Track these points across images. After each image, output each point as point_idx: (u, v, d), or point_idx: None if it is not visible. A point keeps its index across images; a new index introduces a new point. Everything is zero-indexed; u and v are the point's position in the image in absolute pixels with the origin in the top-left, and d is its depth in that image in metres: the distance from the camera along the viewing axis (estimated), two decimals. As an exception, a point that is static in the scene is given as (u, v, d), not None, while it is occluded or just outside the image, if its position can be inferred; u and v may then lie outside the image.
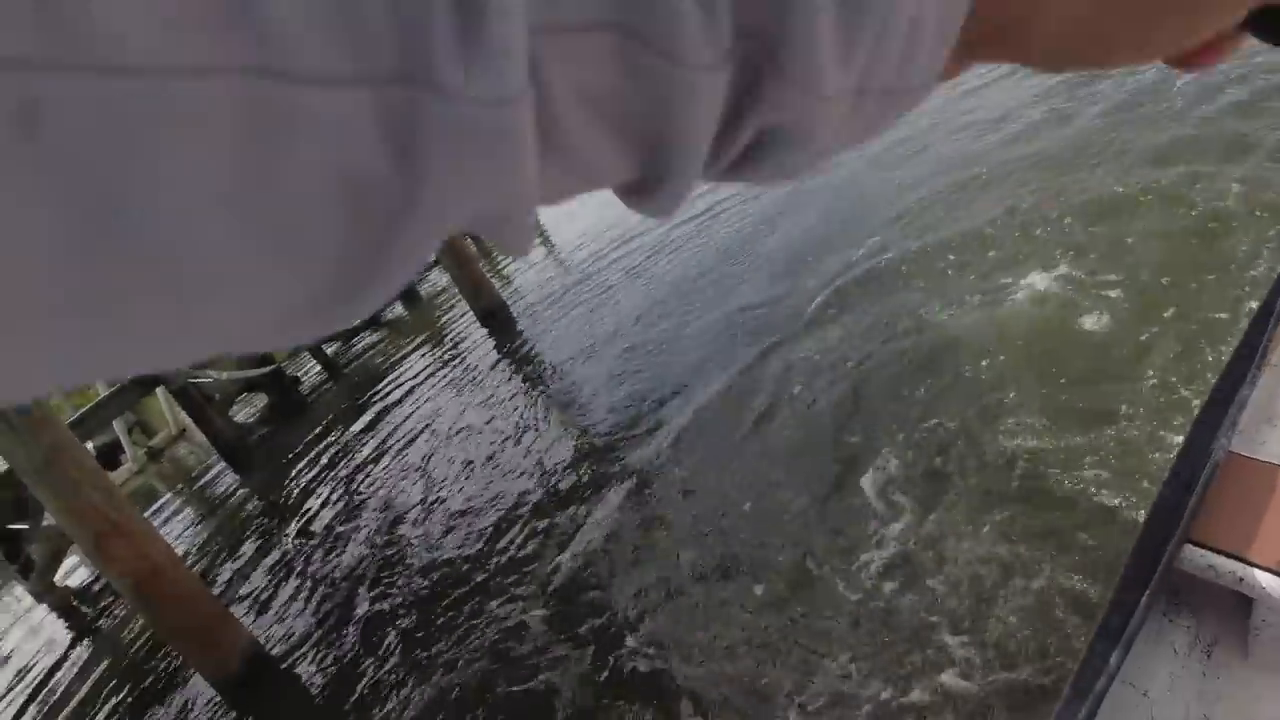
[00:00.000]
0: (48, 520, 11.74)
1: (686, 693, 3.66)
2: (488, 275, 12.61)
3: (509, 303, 12.68)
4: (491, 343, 11.44)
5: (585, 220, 16.91)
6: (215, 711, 6.00)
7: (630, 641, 4.11)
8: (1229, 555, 1.53)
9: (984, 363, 4.81)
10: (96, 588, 12.81)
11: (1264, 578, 1.48)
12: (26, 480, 5.49)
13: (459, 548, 6.16)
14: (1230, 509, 1.59)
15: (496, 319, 11.93)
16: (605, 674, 3.97)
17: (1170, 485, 1.61)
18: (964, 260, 6.13)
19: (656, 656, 3.94)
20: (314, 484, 10.30)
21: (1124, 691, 1.62)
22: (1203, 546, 1.55)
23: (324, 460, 11.05)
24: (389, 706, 4.81)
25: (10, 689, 10.48)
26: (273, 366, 14.14)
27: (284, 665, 6.05)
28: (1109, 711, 1.54)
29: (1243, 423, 1.76)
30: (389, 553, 6.89)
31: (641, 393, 7.01)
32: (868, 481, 4.38)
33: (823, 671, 3.42)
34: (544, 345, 10.18)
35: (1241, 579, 1.51)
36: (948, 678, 3.15)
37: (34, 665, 10.88)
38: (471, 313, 12.79)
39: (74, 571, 14.07)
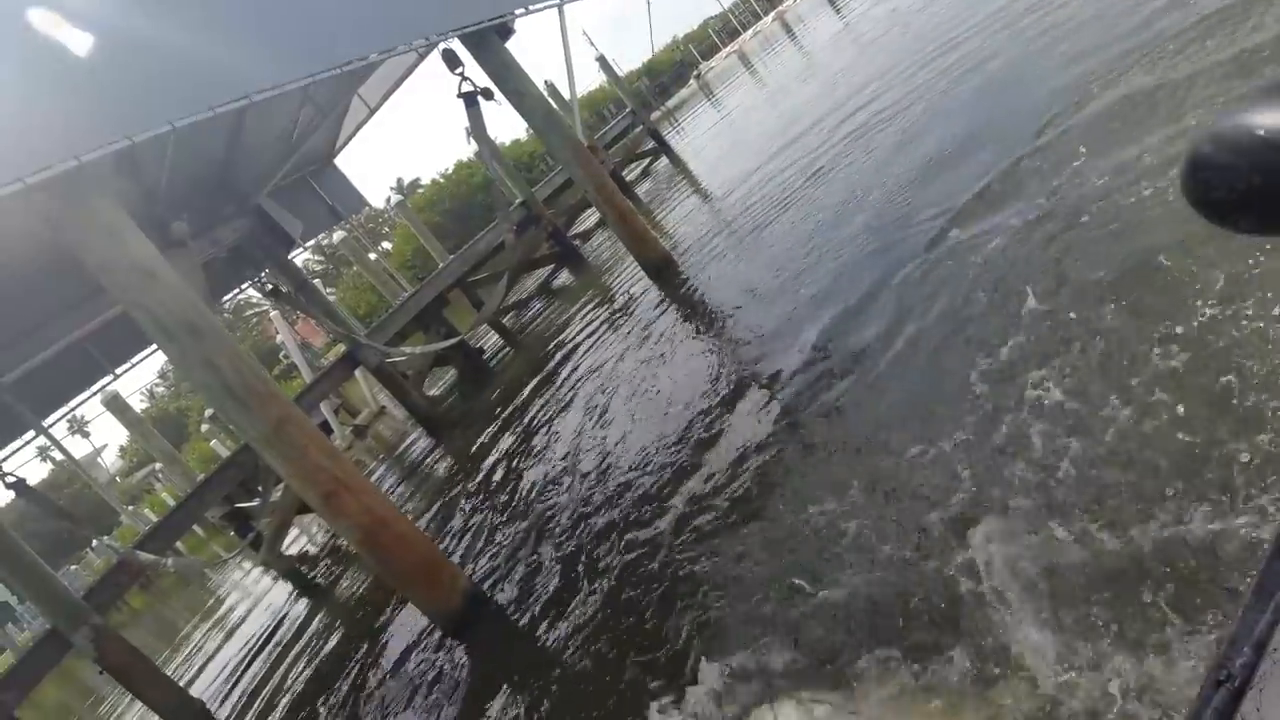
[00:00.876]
0: (274, 496, 12.85)
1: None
2: (650, 229, 12.68)
3: (673, 253, 12.76)
4: (659, 294, 11.58)
5: (733, 167, 16.82)
6: (438, 646, 6.47)
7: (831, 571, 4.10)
8: None
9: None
10: (314, 553, 14.09)
11: None
12: (258, 448, 6.06)
13: (639, 489, 6.35)
14: None
15: (663, 271, 12.02)
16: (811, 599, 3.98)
17: None
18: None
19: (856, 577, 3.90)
20: (502, 441, 10.87)
21: None
22: None
23: (510, 420, 11.61)
24: (584, 633, 5.07)
25: (252, 637, 11.76)
26: (458, 338, 14.86)
27: (497, 602, 6.45)
28: None
29: None
30: (575, 496, 7.18)
31: (823, 327, 6.90)
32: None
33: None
34: (712, 290, 10.20)
35: None
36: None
37: (269, 619, 12.19)
38: (638, 267, 12.98)
39: (293, 542, 15.45)
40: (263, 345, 59.84)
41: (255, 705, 9.44)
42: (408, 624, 7.50)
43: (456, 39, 10.16)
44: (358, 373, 20.18)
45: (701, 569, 4.77)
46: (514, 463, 9.70)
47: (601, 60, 29.53)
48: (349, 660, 8.11)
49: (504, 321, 20.51)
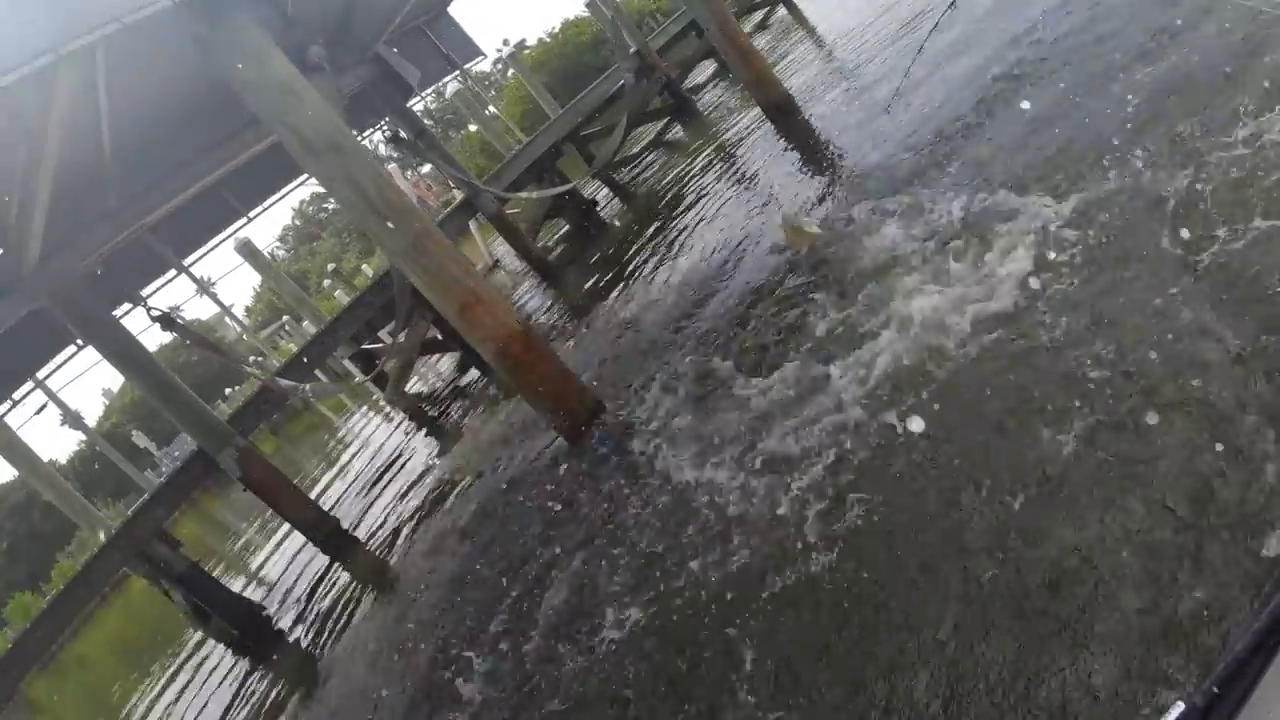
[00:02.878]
0: (401, 336, 13.48)
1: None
2: (771, 69, 12.33)
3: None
4: (777, 135, 11.38)
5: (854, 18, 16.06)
6: (565, 458, 6.85)
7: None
8: None
9: None
10: (437, 393, 14.77)
11: None
12: (399, 263, 6.38)
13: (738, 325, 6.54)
14: None
15: (784, 110, 11.75)
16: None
17: None
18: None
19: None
20: (614, 288, 11.07)
21: None
22: None
23: (623, 268, 11.78)
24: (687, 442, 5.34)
25: (380, 468, 12.60)
26: (571, 185, 14.98)
27: (618, 418, 6.76)
28: None
29: None
30: (685, 334, 7.36)
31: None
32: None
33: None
34: (829, 134, 10.01)
35: None
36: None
37: (395, 454, 13.00)
38: (754, 115, 12.70)
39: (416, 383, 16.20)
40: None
41: (387, 524, 10.14)
42: (532, 450, 7.87)
43: None
44: (472, 225, 20.64)
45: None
46: (625, 307, 9.93)
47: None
48: (476, 484, 8.61)
49: (615, 176, 20.51)
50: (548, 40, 53.75)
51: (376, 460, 14.26)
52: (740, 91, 18.35)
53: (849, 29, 15.77)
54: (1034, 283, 4.30)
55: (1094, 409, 3.41)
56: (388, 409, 18.12)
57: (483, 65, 19.61)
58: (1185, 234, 3.90)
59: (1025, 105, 6.60)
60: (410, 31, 15.80)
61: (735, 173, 11.87)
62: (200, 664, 11.27)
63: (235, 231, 14.86)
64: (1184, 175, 4.27)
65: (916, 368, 4.43)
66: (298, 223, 63.72)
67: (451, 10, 16.99)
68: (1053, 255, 4.41)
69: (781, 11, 25.37)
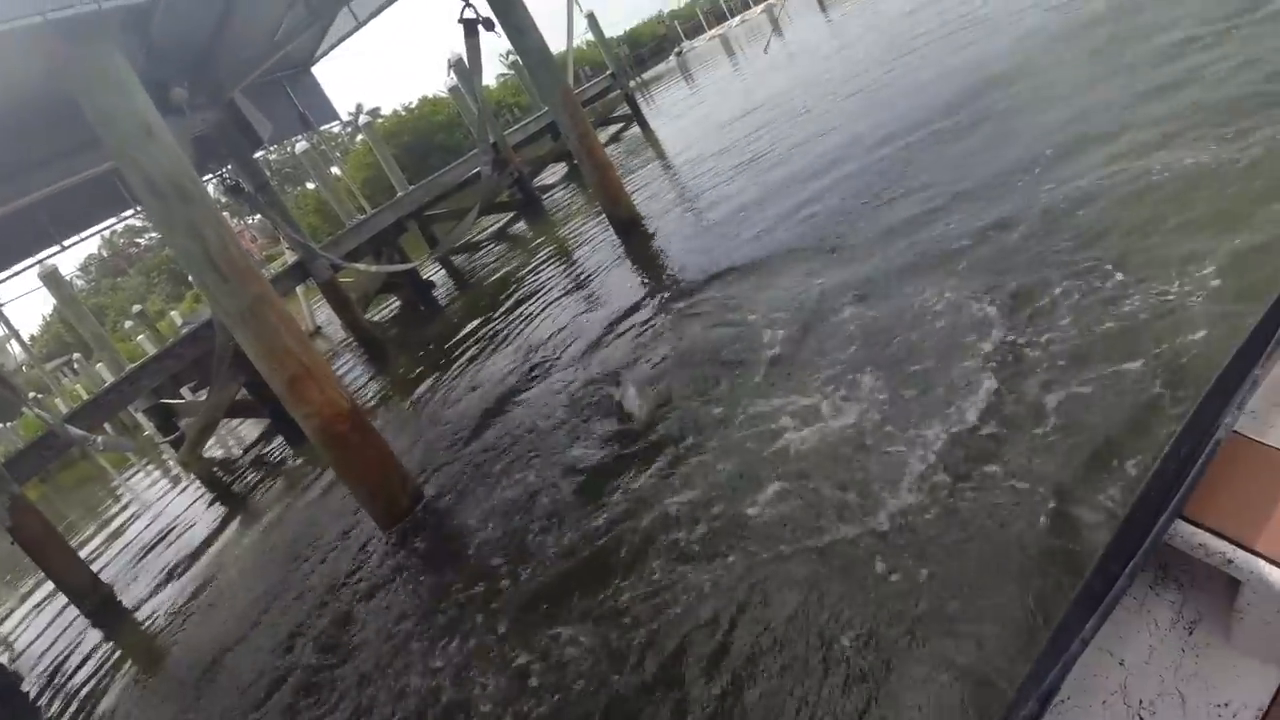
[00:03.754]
0: (206, 395, 12.71)
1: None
2: (623, 186, 12.79)
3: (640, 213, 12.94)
4: (620, 248, 11.78)
5: (701, 144, 17.04)
6: (384, 547, 6.60)
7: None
8: (1221, 536, 1.51)
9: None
10: (235, 460, 13.87)
11: (1255, 563, 1.46)
12: (230, 324, 6.08)
13: (561, 420, 6.69)
14: (1228, 491, 1.56)
15: (630, 229, 12.19)
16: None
17: (1169, 459, 1.56)
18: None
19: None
20: (441, 371, 10.94)
21: (1099, 658, 1.61)
22: (1195, 524, 1.53)
23: (451, 352, 11.70)
24: (518, 534, 5.36)
25: (161, 533, 11.60)
26: (412, 265, 14.84)
27: (440, 508, 6.62)
28: (1081, 675, 1.56)
29: (1252, 404, 1.69)
30: (509, 427, 7.39)
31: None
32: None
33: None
34: (670, 249, 10.50)
35: (1231, 561, 1.49)
36: None
37: (180, 519, 12.02)
38: (598, 223, 13.10)
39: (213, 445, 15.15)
40: (193, 251, 57.98)
41: (163, 594, 9.32)
42: (337, 530, 7.56)
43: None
44: (299, 289, 19.93)
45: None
46: (449, 391, 9.84)
47: (591, 18, 29.29)
48: (267, 556, 8.14)
49: (455, 261, 20.47)
50: (402, 113, 53.77)
51: (157, 524, 13.02)
52: (588, 198, 19.00)
53: (692, 156, 16.66)
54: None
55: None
56: (176, 470, 16.83)
57: (334, 126, 19.15)
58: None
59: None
60: (269, 83, 15.42)
61: (572, 275, 12.11)
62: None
63: (45, 259, 13.70)
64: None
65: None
66: (104, 254, 59.31)
67: (315, 70, 16.71)
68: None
69: (635, 129, 26.62)
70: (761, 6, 60.40)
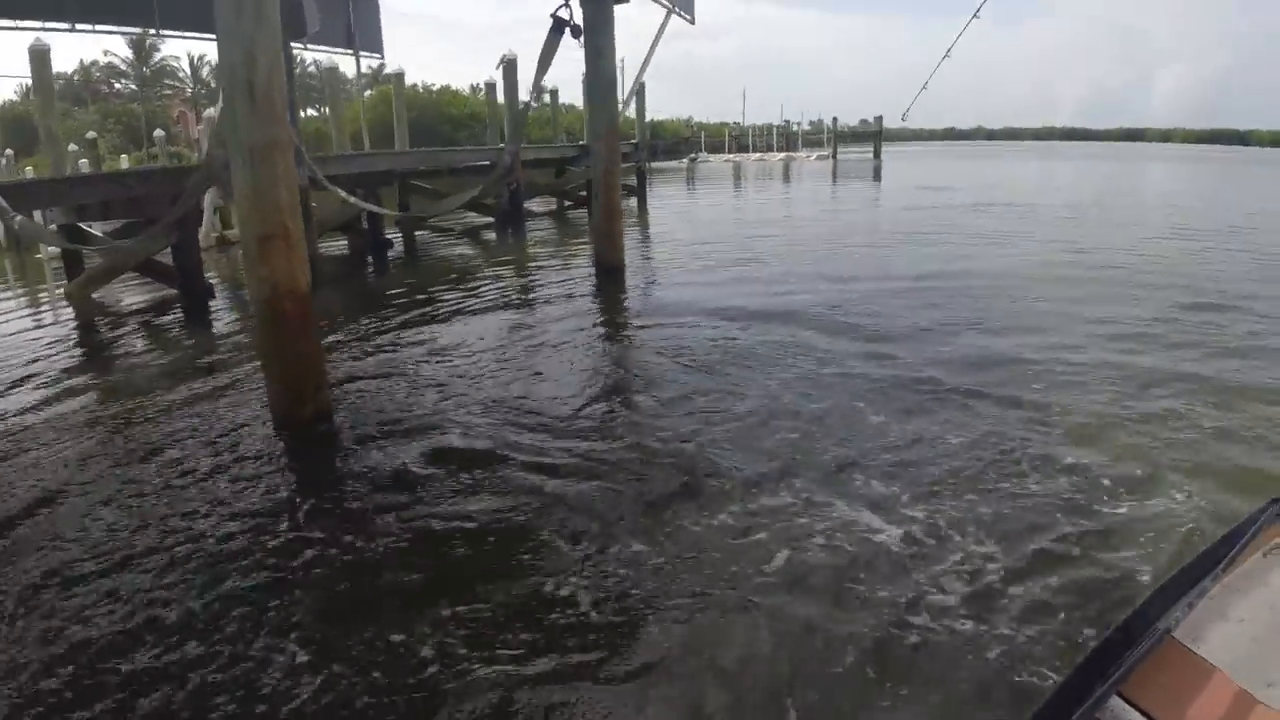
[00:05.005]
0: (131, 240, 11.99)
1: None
2: (621, 233, 12.83)
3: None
4: (590, 283, 11.78)
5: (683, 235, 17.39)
6: (271, 446, 6.14)
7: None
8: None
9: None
10: (122, 315, 12.84)
11: None
12: (234, 155, 5.74)
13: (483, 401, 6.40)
14: (1154, 687, 1.52)
15: (612, 274, 12.20)
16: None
17: (1103, 648, 1.58)
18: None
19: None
20: (371, 316, 10.55)
21: None
22: (1130, 704, 1.49)
23: (386, 308, 11.33)
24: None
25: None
26: (386, 213, 14.48)
27: (344, 428, 6.25)
28: None
29: (1196, 612, 1.67)
30: (431, 397, 7.08)
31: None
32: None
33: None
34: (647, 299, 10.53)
35: None
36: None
37: (44, 354, 10.76)
38: (569, 259, 13.06)
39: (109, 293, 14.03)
40: (156, 119, 55.94)
41: None
42: (222, 418, 6.96)
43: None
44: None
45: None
46: (375, 341, 9.49)
47: (641, 90, 29.87)
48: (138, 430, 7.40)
49: (416, 234, 20.14)
50: (420, 90, 53.53)
51: (32, 346, 11.55)
52: (565, 237, 19.11)
53: (673, 251, 16.89)
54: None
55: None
56: (50, 300, 15.65)
57: (349, 69, 18.87)
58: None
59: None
60: (332, -12, 15.22)
61: (535, 291, 12.00)
62: None
63: (46, 28, 13.00)
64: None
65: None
66: (76, 76, 56.65)
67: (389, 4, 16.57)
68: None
69: (633, 201, 27.01)
70: (781, 155, 62.75)
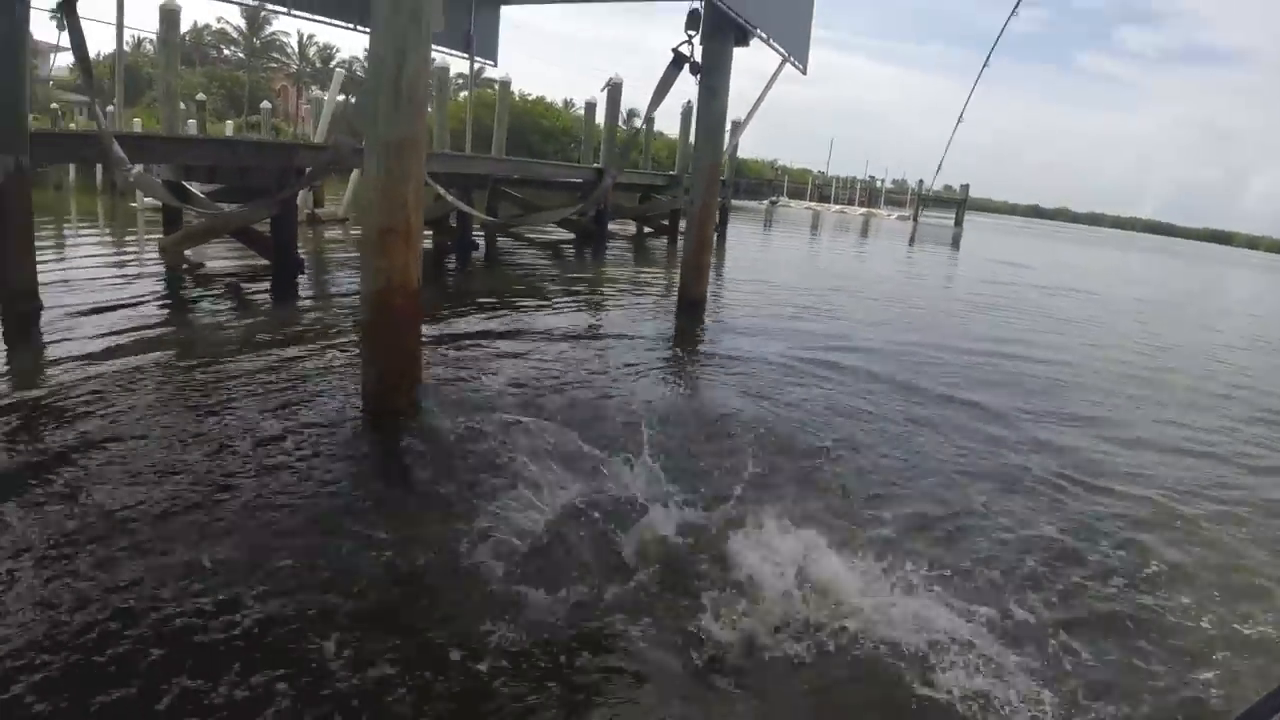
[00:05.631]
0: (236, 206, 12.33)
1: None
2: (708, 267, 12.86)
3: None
4: (669, 314, 11.79)
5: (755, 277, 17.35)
6: (355, 425, 6.23)
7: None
8: None
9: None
10: (211, 276, 13.12)
11: None
12: (372, 149, 5.88)
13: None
14: None
15: (694, 308, 12.19)
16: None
17: None
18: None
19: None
20: (458, 315, 10.69)
21: None
22: None
23: (467, 306, 11.48)
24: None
25: (112, 305, 10.59)
26: (481, 216, 14.70)
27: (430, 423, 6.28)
28: None
29: None
30: (523, 398, 7.08)
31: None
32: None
33: None
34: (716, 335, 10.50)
35: None
36: None
37: (138, 299, 11.06)
38: (646, 280, 13.08)
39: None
40: (260, 90, 57.65)
41: (82, 351, 8.39)
42: (308, 395, 7.06)
43: (714, 6, 10.34)
44: (355, 173, 19.67)
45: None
46: (464, 339, 9.59)
47: (735, 124, 29.99)
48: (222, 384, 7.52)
49: (498, 237, 20.44)
50: (517, 99, 54.45)
51: (109, 288, 11.79)
52: (640, 264, 19.22)
53: (750, 291, 16.87)
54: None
55: None
56: (141, 250, 16.15)
57: (488, 64, 19.20)
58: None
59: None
60: (457, -6, 15.57)
61: (621, 313, 12.08)
62: None
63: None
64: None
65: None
66: (188, 38, 58.64)
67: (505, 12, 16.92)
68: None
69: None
70: (862, 210, 62.60)
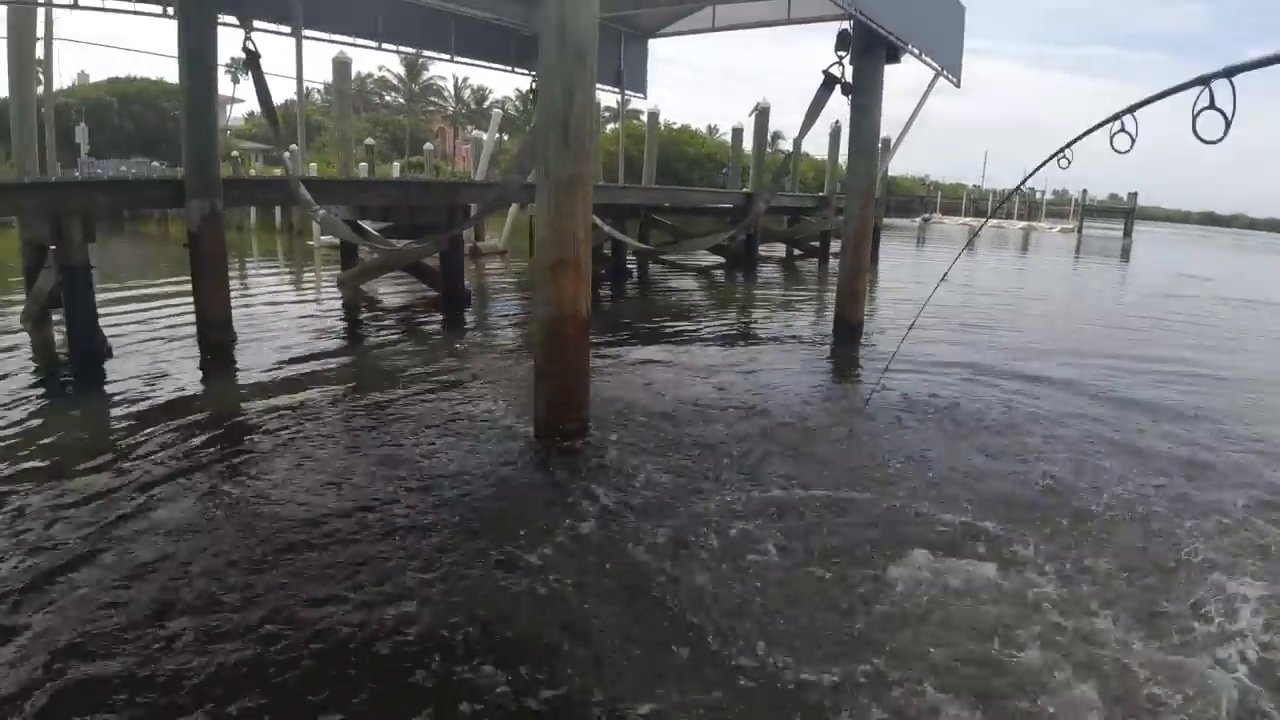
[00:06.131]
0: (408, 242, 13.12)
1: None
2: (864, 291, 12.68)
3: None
4: (827, 339, 11.73)
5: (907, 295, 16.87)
6: (526, 449, 6.54)
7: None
8: None
9: None
10: (387, 309, 14.03)
11: None
12: (545, 190, 6.21)
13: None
14: None
15: (852, 333, 12.04)
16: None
17: None
18: None
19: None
20: (616, 341, 10.96)
21: None
22: None
23: (624, 330, 11.81)
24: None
25: (302, 336, 11.52)
26: (637, 245, 15.11)
27: (602, 446, 6.51)
28: None
29: None
30: (698, 429, 7.19)
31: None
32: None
33: None
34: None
35: None
36: None
37: (323, 331, 12.02)
38: (799, 301, 12.98)
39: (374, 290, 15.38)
40: (419, 132, 60.76)
41: (272, 382, 9.11)
42: (478, 416, 7.48)
43: (863, 25, 10.31)
44: (513, 209, 20.55)
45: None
46: (630, 365, 9.84)
47: (886, 142, 29.50)
48: (392, 409, 7.99)
49: (649, 264, 20.84)
50: (661, 128, 55.35)
51: (294, 321, 12.91)
52: (790, 284, 19.11)
53: (908, 312, 16.38)
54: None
55: None
56: (319, 284, 17.42)
57: (639, 97, 19.92)
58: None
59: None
60: (609, 28, 16.08)
61: (779, 339, 12.08)
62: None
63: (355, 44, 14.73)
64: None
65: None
66: (354, 86, 62.67)
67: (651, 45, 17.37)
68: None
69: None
70: (1022, 224, 60.14)
